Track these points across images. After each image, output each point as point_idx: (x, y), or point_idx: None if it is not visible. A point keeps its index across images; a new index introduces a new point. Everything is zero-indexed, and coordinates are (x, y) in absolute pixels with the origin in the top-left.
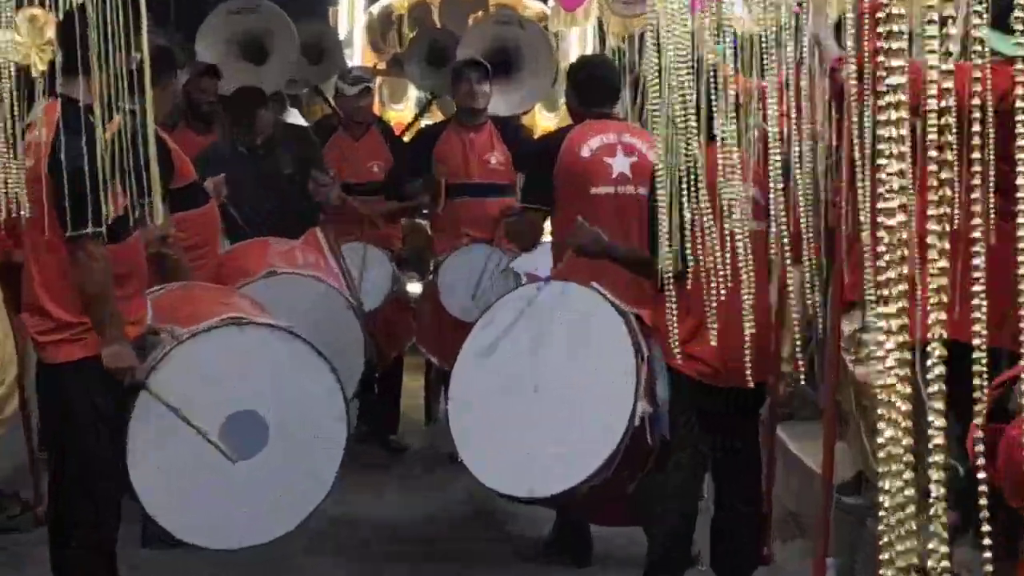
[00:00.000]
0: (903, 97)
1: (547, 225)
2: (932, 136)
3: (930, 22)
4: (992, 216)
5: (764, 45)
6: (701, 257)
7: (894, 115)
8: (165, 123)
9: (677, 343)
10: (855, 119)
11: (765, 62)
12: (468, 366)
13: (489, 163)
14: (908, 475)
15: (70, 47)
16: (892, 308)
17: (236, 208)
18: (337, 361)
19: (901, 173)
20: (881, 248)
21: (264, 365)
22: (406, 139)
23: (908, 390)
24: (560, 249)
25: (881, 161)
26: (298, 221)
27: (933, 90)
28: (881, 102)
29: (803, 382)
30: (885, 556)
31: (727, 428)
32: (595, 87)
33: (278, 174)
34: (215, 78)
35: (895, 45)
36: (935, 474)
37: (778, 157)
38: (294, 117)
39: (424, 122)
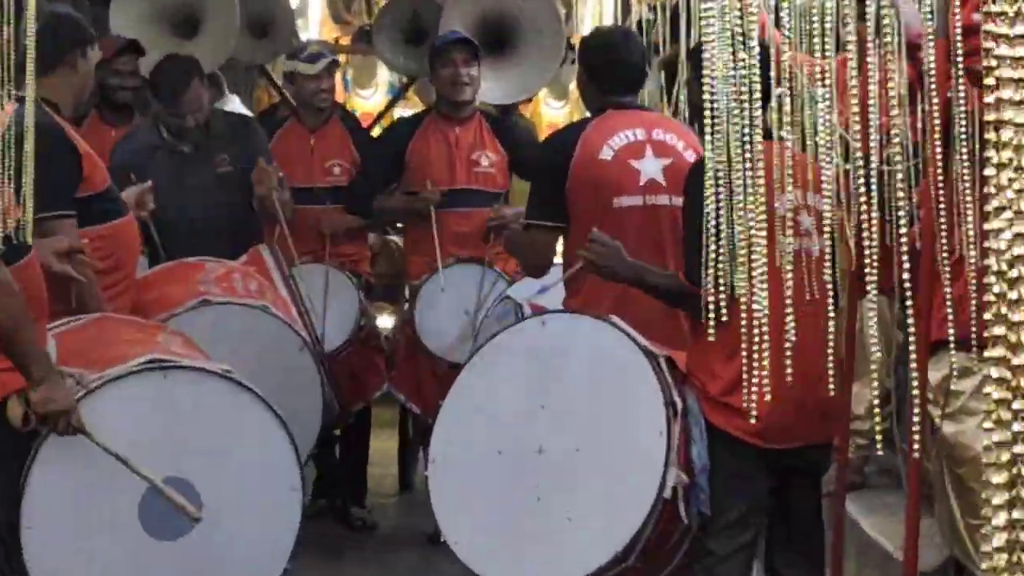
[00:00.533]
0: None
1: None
2: None
3: None
4: None
5: (825, 15)
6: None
7: (1009, 114)
8: (72, 115)
9: (719, 393)
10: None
11: (827, 37)
12: (454, 420)
13: (478, 165)
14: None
15: None
16: (998, 351)
17: (159, 217)
18: (288, 414)
19: (1012, 184)
20: (989, 278)
21: (196, 420)
22: (375, 133)
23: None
24: (575, 276)
25: (989, 171)
26: (237, 235)
27: None
28: (989, 98)
29: (879, 443)
30: None
31: (783, 501)
32: (617, 69)
33: (211, 174)
34: (135, 56)
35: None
36: None
37: (845, 159)
38: (234, 105)
39: (398, 112)
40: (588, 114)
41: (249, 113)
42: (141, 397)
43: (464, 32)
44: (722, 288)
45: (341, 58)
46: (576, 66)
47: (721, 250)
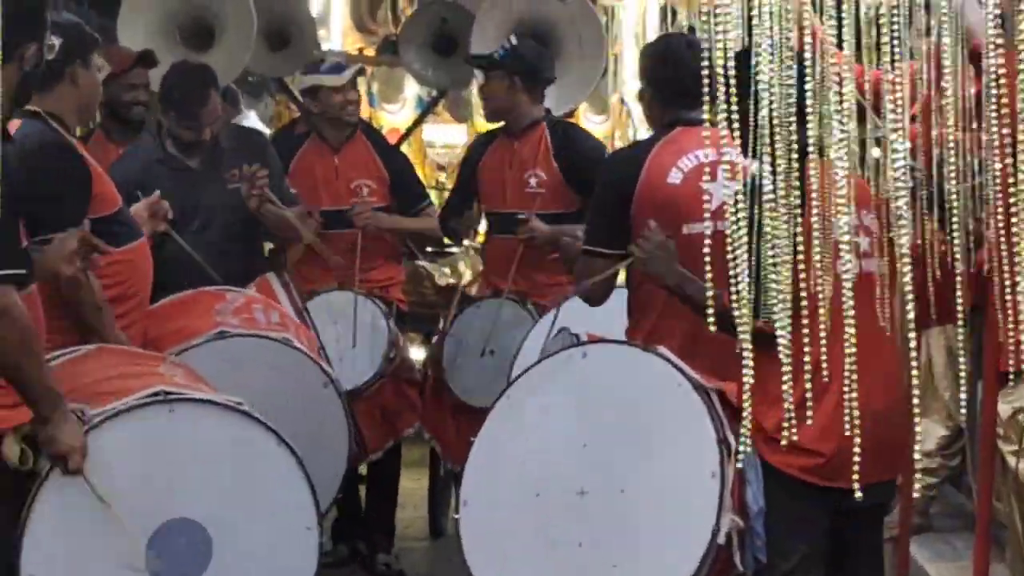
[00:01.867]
0: None
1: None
2: None
3: None
4: None
5: (888, 19)
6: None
7: None
8: (80, 131)
9: (776, 428)
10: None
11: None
12: (487, 459)
13: (527, 185)
14: None
15: None
16: None
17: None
18: (311, 454)
19: None
20: None
21: (204, 457)
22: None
23: None
24: (642, 302)
25: None
26: (247, 258)
27: None
28: None
29: (946, 482)
30: None
31: (842, 545)
32: (683, 82)
33: (221, 191)
34: (148, 68)
35: None
36: None
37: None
38: (251, 122)
39: (428, 129)
40: (652, 131)
41: (265, 129)
42: (146, 433)
43: (494, 45)
44: (774, 315)
45: (367, 69)
46: (616, 77)
47: (774, 275)
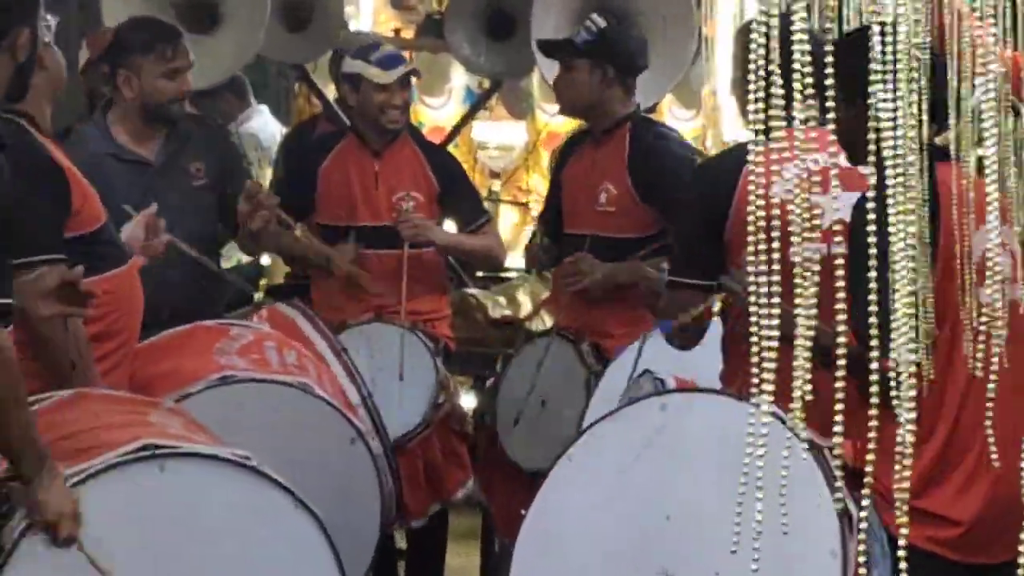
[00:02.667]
0: None
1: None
2: None
3: None
4: None
5: None
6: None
7: None
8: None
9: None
10: None
11: None
12: (544, 535)
13: (597, 201)
14: None
15: None
16: None
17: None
18: (336, 522)
19: None
20: None
21: (204, 522)
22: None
23: None
24: (740, 341)
25: None
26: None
27: None
28: None
29: None
30: None
31: None
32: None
33: (184, 189)
34: None
35: None
36: None
37: None
38: (264, 118)
39: (478, 126)
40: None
41: (281, 128)
42: (133, 494)
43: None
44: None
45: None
46: (708, 64)
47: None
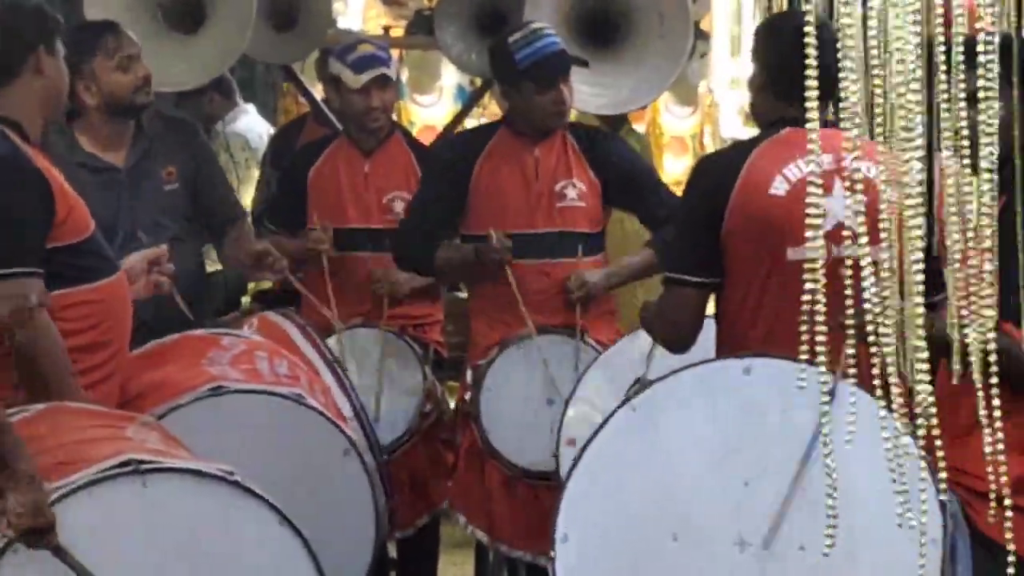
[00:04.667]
0: None
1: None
2: None
3: None
4: None
5: None
6: None
7: None
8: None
9: None
10: None
11: None
12: (599, 485)
13: (563, 198)
14: None
15: None
16: None
17: None
18: (326, 537)
19: None
20: None
21: (187, 539)
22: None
23: None
24: (738, 339)
25: None
26: (194, 281)
27: None
28: None
29: None
30: None
31: None
32: (804, 72)
33: (156, 194)
34: None
35: None
36: None
37: None
38: (250, 117)
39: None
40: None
41: (268, 127)
42: (114, 511)
43: (557, 25)
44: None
45: (393, 52)
46: (704, 61)
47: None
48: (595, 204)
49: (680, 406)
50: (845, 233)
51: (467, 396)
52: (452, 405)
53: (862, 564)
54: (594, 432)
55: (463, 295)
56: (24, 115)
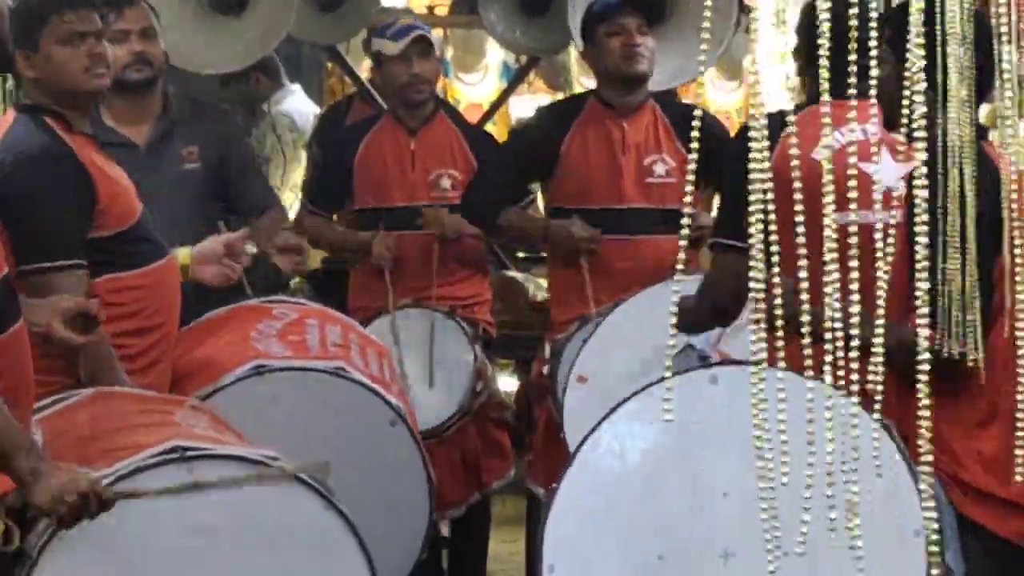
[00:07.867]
0: None
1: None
2: None
3: None
4: None
5: None
6: None
7: None
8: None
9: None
10: None
11: None
12: (580, 512)
13: (651, 173)
14: None
15: None
16: None
17: None
18: (378, 513)
19: None
20: None
21: (233, 526)
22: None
23: None
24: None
25: None
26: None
27: None
28: None
29: None
30: None
31: None
32: (848, 49)
33: (174, 173)
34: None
35: None
36: None
37: None
38: (296, 98)
39: (516, 104)
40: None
41: (315, 108)
42: (160, 499)
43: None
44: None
45: (438, 32)
46: (748, 35)
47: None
48: (685, 180)
49: (653, 422)
50: (895, 196)
51: (545, 370)
52: (500, 385)
53: (846, 562)
54: (571, 456)
55: (512, 273)
56: (60, 99)
